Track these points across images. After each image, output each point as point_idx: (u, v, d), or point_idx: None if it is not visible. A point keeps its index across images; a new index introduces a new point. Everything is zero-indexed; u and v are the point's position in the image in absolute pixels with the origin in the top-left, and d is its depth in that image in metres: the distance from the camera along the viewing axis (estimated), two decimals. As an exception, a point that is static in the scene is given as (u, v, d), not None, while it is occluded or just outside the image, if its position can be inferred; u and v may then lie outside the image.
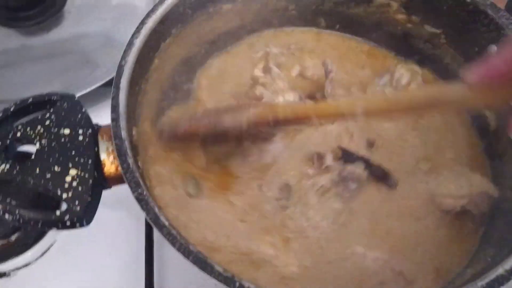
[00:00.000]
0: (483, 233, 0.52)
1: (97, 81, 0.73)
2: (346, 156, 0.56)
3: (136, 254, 0.62)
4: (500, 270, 0.39)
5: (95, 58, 0.81)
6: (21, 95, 0.72)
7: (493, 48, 0.55)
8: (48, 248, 0.64)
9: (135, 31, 0.54)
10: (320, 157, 0.56)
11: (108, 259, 0.63)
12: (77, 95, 0.69)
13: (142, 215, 0.62)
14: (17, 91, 0.75)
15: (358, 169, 0.54)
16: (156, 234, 0.62)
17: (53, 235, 0.65)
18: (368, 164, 0.55)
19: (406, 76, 0.62)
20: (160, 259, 0.62)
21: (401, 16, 0.66)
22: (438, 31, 0.63)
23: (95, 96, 0.73)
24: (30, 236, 0.64)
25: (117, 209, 0.65)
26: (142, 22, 0.55)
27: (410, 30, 0.66)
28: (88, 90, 0.71)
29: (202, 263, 0.38)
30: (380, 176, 0.56)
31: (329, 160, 0.55)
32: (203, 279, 0.60)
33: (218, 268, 0.38)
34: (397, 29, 0.67)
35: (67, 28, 0.84)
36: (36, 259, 0.63)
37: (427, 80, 0.65)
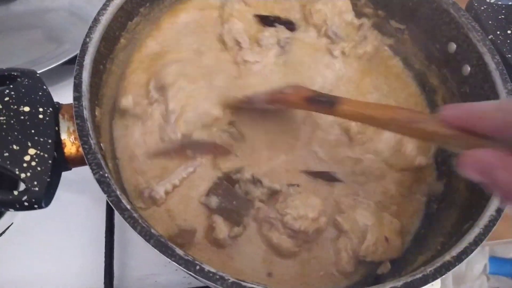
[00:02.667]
0: (435, 221, 0.55)
1: (61, 57, 0.71)
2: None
3: (96, 237, 0.61)
4: (447, 257, 0.42)
5: (60, 33, 0.79)
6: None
7: (467, 68, 0.57)
8: (5, 230, 0.63)
9: (101, 7, 0.53)
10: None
11: (68, 242, 0.62)
12: (40, 71, 0.68)
13: (103, 198, 0.63)
14: (-26, 64, 0.72)
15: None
16: (117, 217, 0.62)
17: (10, 217, 0.64)
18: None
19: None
20: (120, 242, 0.61)
21: (368, 10, 0.67)
22: (402, 26, 0.65)
23: (59, 73, 0.71)
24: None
25: (78, 190, 0.64)
26: None
27: (376, 24, 0.68)
28: (51, 66, 0.69)
29: (163, 247, 0.38)
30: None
31: None
32: (163, 264, 0.61)
33: (179, 251, 0.38)
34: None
35: (30, 2, 0.81)
36: (-7, 240, 0.61)
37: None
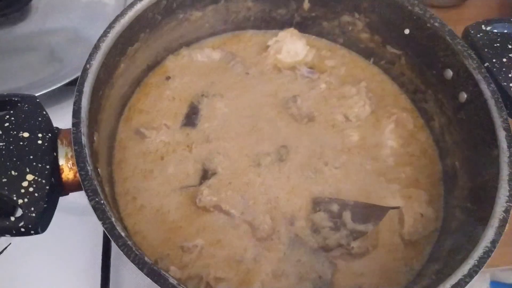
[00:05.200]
0: (430, 252, 0.55)
1: (62, 79, 0.72)
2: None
3: (93, 260, 0.61)
4: (441, 288, 0.42)
5: (61, 55, 0.80)
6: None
7: (463, 95, 0.57)
8: (2, 251, 0.63)
9: (102, 34, 0.54)
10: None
11: (65, 264, 0.62)
12: (41, 93, 0.69)
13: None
14: (-23, 86, 0.73)
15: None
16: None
17: (6, 239, 0.64)
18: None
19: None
20: (116, 268, 0.61)
21: (365, 35, 0.68)
22: (398, 52, 0.66)
23: (61, 94, 0.72)
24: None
25: (76, 213, 0.64)
26: (110, 26, 0.54)
27: (373, 49, 0.69)
28: (52, 88, 0.70)
29: (156, 276, 0.39)
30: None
31: None
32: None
33: (172, 281, 0.38)
34: (360, 47, 0.70)
35: (33, 23, 0.82)
36: (-12, 261, 0.62)
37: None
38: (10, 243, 0.64)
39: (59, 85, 0.71)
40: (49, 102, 0.70)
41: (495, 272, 1.00)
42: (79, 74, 0.72)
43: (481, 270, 0.43)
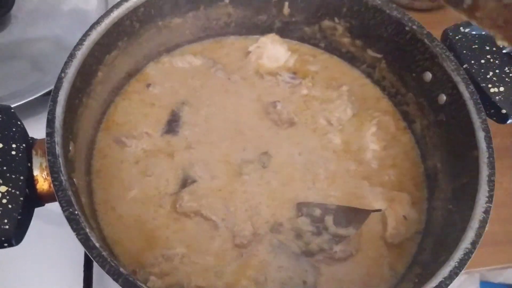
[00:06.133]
0: (414, 254, 0.55)
1: (41, 89, 0.71)
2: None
3: (74, 270, 0.60)
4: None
5: (42, 65, 0.79)
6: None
7: (442, 97, 0.58)
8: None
9: (77, 42, 0.53)
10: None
11: (46, 274, 0.61)
12: (20, 103, 0.68)
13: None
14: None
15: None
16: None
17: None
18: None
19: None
20: (99, 278, 0.60)
21: (346, 40, 0.68)
22: (379, 55, 0.66)
23: (39, 104, 0.71)
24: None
25: (56, 223, 0.63)
26: (86, 34, 0.54)
27: (354, 53, 0.69)
28: (30, 98, 0.69)
29: (132, 286, 0.38)
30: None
31: None
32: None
33: (147, 291, 0.38)
34: (342, 51, 0.70)
35: (14, 33, 0.81)
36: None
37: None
38: (-10, 256, 0.63)
39: (37, 95, 0.70)
40: (28, 112, 0.70)
41: (484, 273, 1.00)
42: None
43: (463, 271, 0.43)
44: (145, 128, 0.61)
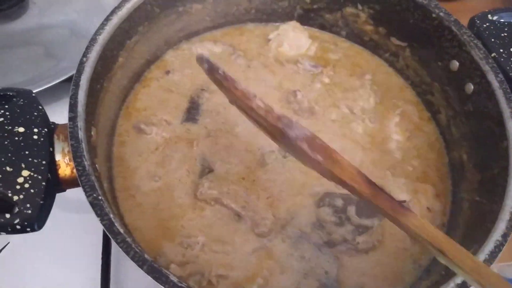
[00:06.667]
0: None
1: (59, 75, 0.71)
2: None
3: (92, 257, 0.60)
4: (451, 285, 0.41)
5: (58, 50, 0.79)
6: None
7: (470, 86, 0.56)
8: (1, 250, 0.62)
9: (99, 27, 0.52)
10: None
11: (64, 262, 0.61)
12: (38, 90, 0.68)
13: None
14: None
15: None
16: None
17: (6, 237, 0.63)
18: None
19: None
20: (117, 265, 0.60)
21: (369, 27, 0.67)
22: (403, 44, 0.65)
23: (57, 91, 0.71)
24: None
25: (75, 210, 0.63)
26: (107, 19, 0.53)
27: (377, 41, 0.67)
28: (49, 85, 0.69)
29: (157, 273, 0.37)
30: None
31: None
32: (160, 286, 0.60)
33: (173, 278, 0.37)
34: (364, 39, 0.68)
35: (31, 19, 0.81)
36: (-13, 260, 0.60)
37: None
38: (8, 242, 0.63)
39: (56, 81, 0.69)
40: (46, 98, 0.70)
41: (502, 268, 0.98)
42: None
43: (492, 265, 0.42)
44: (165, 116, 0.61)
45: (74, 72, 0.70)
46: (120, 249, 0.39)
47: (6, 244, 0.63)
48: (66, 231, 0.63)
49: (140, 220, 0.53)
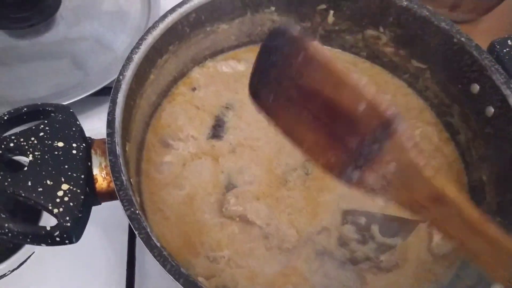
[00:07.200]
0: (460, 266, 0.54)
1: (87, 89, 0.72)
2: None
3: (117, 270, 0.61)
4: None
5: (83, 64, 0.81)
6: (5, 95, 0.72)
7: (490, 109, 0.57)
8: (26, 260, 0.63)
9: (134, 46, 0.54)
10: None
11: (88, 274, 0.62)
12: (67, 103, 0.70)
13: (125, 230, 0.63)
14: (1, 90, 0.74)
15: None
16: (138, 250, 0.62)
17: (32, 247, 0.64)
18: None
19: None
20: (141, 276, 0.61)
21: (389, 49, 0.69)
22: (424, 66, 0.66)
23: (83, 104, 0.73)
24: (7, 246, 0.63)
25: (99, 223, 0.64)
26: (142, 38, 0.55)
27: (397, 63, 0.69)
28: (78, 98, 0.71)
29: (193, 286, 0.39)
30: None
31: None
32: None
33: (209, 292, 0.38)
34: (384, 60, 0.70)
35: (59, 32, 0.83)
36: (13, 270, 0.62)
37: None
38: (33, 252, 0.65)
39: (85, 95, 0.71)
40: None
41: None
42: (103, 84, 0.74)
43: None
44: (191, 131, 0.62)
45: (101, 86, 0.73)
46: (158, 262, 0.40)
47: (31, 254, 0.64)
48: (89, 242, 0.64)
49: (167, 234, 0.55)
